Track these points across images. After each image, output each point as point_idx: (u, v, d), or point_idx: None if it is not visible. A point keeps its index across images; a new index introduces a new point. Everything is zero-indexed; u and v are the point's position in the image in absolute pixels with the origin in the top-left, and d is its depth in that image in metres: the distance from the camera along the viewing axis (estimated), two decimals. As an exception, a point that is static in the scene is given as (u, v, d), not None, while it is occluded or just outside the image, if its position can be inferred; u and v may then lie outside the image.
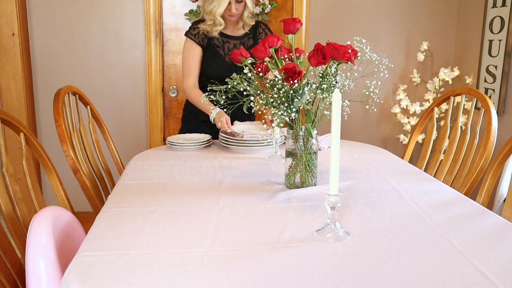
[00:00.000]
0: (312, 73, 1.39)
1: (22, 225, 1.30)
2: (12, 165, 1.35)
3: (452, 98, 1.94)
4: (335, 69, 1.34)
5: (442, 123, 2.87)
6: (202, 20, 2.16)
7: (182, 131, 2.31)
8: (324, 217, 1.16)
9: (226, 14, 2.07)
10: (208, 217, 1.20)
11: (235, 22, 2.17)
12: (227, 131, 1.94)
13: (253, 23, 2.21)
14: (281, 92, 1.32)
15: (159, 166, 1.69)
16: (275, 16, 2.85)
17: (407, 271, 0.92)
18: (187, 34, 2.17)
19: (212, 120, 2.01)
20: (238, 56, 1.44)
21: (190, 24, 2.21)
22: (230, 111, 1.50)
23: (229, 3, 2.02)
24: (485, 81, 2.59)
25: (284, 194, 1.37)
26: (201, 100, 1.53)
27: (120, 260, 0.96)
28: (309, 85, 1.34)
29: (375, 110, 1.56)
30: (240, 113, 2.13)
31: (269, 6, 2.77)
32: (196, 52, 2.16)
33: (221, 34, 2.18)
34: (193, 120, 2.27)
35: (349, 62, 1.34)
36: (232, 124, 2.04)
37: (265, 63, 1.40)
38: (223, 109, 1.88)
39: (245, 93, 1.39)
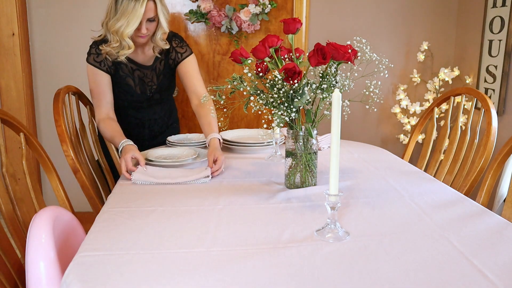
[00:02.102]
0: (312, 73, 1.39)
1: (22, 225, 1.30)
2: (12, 165, 1.35)
3: (452, 98, 1.94)
4: (335, 69, 1.34)
5: (442, 123, 2.87)
6: (105, 41, 1.81)
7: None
8: (324, 217, 1.16)
9: (135, 34, 1.76)
10: (208, 217, 1.20)
11: (143, 44, 1.86)
12: (139, 168, 1.58)
13: (167, 46, 1.87)
14: (281, 92, 1.32)
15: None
16: (275, 16, 2.85)
17: (407, 271, 0.92)
18: (89, 60, 1.83)
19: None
20: (238, 56, 1.44)
21: (91, 45, 1.86)
22: (230, 111, 1.48)
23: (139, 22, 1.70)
24: (485, 81, 2.59)
25: (284, 194, 1.37)
26: (201, 100, 1.50)
27: (120, 260, 0.96)
28: (309, 85, 1.34)
29: (375, 110, 1.56)
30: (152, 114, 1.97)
31: (269, 6, 2.77)
32: (105, 79, 1.83)
33: (129, 60, 1.86)
34: None
35: (349, 62, 1.34)
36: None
37: (265, 63, 1.40)
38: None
39: (245, 93, 1.39)
